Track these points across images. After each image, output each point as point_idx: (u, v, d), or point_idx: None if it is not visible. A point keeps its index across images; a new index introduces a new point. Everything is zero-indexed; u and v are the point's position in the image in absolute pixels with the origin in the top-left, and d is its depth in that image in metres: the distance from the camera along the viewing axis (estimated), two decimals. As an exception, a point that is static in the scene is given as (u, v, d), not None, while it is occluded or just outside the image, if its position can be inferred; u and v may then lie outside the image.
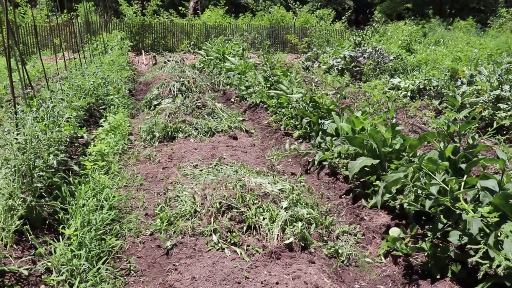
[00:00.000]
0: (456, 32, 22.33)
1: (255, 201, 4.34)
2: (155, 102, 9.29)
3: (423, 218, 4.25)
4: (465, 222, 3.32)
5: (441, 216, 3.75)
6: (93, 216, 3.99)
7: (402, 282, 3.67)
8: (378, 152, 4.94)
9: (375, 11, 32.37)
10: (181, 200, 4.61)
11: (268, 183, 4.80)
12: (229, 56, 14.38)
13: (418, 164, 3.81)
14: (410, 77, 11.59)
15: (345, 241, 4.18)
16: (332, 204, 4.92)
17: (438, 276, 3.52)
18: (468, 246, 3.23)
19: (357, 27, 28.57)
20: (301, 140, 7.04)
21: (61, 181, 4.46)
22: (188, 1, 30.17)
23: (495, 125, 4.83)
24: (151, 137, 7.22)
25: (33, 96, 6.28)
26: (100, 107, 8.62)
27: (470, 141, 4.40)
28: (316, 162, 5.90)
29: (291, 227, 4.02)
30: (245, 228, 4.07)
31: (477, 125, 7.60)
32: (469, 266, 3.20)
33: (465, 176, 3.80)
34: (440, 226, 3.68)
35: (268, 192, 4.54)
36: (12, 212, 3.62)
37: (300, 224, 4.03)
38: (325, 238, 4.16)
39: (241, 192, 4.44)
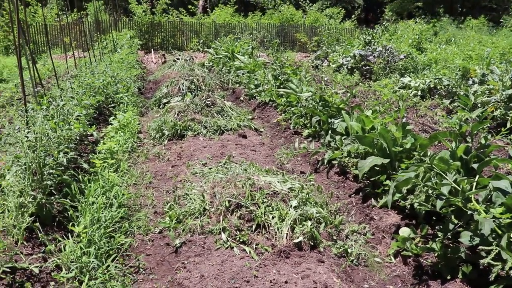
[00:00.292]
0: (467, 31, 22.15)
1: (264, 200, 4.32)
2: (164, 100, 9.31)
3: (433, 218, 4.21)
4: (477, 222, 3.27)
5: (452, 216, 3.70)
6: (102, 213, 4.00)
7: (412, 283, 3.64)
8: (388, 152, 4.90)
9: (386, 10, 32.19)
10: (190, 198, 4.61)
11: (278, 181, 4.78)
12: (238, 54, 14.38)
13: (429, 164, 3.77)
14: (421, 76, 11.49)
15: (354, 241, 4.15)
16: (341, 203, 4.89)
17: (448, 277, 3.49)
18: (480, 247, 3.19)
19: (367, 25, 28.41)
20: (310, 139, 7.01)
21: (71, 178, 4.48)
22: (197, 0, 30.19)
23: (508, 125, 4.78)
24: (160, 135, 7.23)
25: (44, 94, 6.31)
26: (110, 105, 8.65)
27: (483, 141, 4.35)
28: (325, 161, 5.87)
29: (301, 226, 4.00)
30: (254, 226, 4.06)
31: (488, 125, 7.52)
32: (480, 267, 3.16)
33: (477, 176, 3.75)
34: (451, 226, 3.64)
35: (277, 191, 4.52)
36: (22, 209, 3.64)
37: (309, 223, 4.01)
38: (335, 238, 4.14)
39: (250, 191, 4.43)
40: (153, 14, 22.15)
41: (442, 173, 3.79)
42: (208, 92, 9.36)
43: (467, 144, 4.25)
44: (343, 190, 5.32)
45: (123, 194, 4.58)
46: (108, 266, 3.48)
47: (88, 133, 6.42)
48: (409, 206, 4.13)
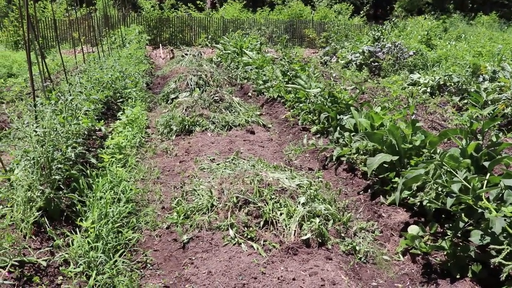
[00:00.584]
0: (478, 27, 21.93)
1: (273, 196, 4.31)
2: (172, 96, 9.31)
3: (443, 216, 4.16)
4: (488, 221, 3.23)
5: (462, 214, 3.66)
6: (110, 208, 4.00)
7: (421, 281, 3.60)
8: (397, 149, 4.86)
9: (395, 6, 31.94)
10: (198, 194, 4.60)
11: (286, 178, 4.76)
12: (247, 50, 14.34)
13: (439, 161, 3.72)
14: (430, 73, 11.39)
15: (362, 238, 4.13)
16: (349, 200, 4.86)
17: (457, 276, 3.45)
18: (491, 246, 3.15)
19: (375, 21, 28.24)
20: (318, 135, 6.98)
21: (79, 173, 4.49)
22: (206, -5, 30.16)
23: (519, 122, 4.71)
24: (168, 130, 7.23)
25: (52, 89, 6.32)
26: (118, 100, 8.66)
27: (494, 139, 4.29)
28: (334, 158, 5.84)
29: (309, 223, 3.98)
30: (262, 223, 4.04)
31: (499, 122, 7.44)
32: (490, 266, 3.13)
33: (488, 175, 3.71)
34: (461, 224, 3.60)
35: (285, 187, 4.50)
36: (31, 203, 3.65)
37: (317, 220, 3.99)
38: (343, 235, 4.11)
39: (259, 187, 4.41)
40: (162, 9, 22.15)
41: (452, 171, 3.75)
42: (216, 88, 9.34)
43: (478, 142, 4.21)
44: (352, 187, 5.29)
45: (131, 189, 4.59)
46: (116, 261, 3.48)
47: (96, 128, 6.43)
48: (418, 204, 4.10)
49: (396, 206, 4.47)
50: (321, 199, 4.49)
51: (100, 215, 3.87)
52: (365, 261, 3.86)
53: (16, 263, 3.03)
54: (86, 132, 5.87)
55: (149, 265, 3.68)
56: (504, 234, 3.16)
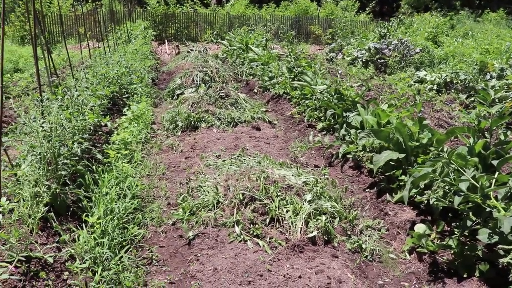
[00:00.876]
0: (485, 24, 21.78)
1: (279, 193, 4.29)
2: (178, 92, 9.29)
3: (449, 214, 4.14)
4: (496, 220, 3.21)
5: (470, 213, 3.64)
6: (116, 204, 4.00)
7: (427, 280, 3.58)
8: (404, 146, 4.83)
9: (401, 3, 31.75)
10: (204, 191, 4.59)
11: (292, 175, 4.75)
12: (253, 46, 14.30)
13: (447, 159, 3.69)
14: (437, 70, 11.33)
15: (368, 236, 4.11)
16: (355, 198, 4.84)
17: (465, 275, 3.43)
18: (499, 246, 3.13)
19: (382, 18, 28.07)
20: (324, 132, 6.95)
21: (85, 169, 4.48)
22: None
23: (528, 121, 4.67)
24: (174, 126, 7.22)
25: (58, 84, 6.33)
26: (124, 96, 8.66)
27: (502, 137, 4.26)
28: (340, 155, 5.82)
29: (315, 220, 3.97)
30: (268, 220, 4.03)
31: (507, 120, 7.38)
32: (499, 266, 3.10)
33: (496, 173, 3.68)
34: (468, 223, 3.57)
35: (291, 185, 4.49)
36: (37, 199, 3.65)
37: (323, 217, 3.98)
38: (349, 233, 4.10)
39: (265, 184, 4.39)
40: (167, 5, 22.13)
41: (460, 169, 3.72)
42: (222, 84, 9.32)
43: (486, 140, 4.17)
44: (358, 184, 5.26)
45: (136, 185, 4.58)
46: (121, 257, 3.48)
47: (102, 123, 6.43)
48: (425, 202, 4.07)
49: (402, 204, 4.45)
50: (327, 197, 4.47)
51: (106, 211, 3.87)
52: (371, 259, 3.84)
53: (23, 258, 3.03)
54: (92, 128, 5.87)
55: (154, 261, 3.68)
56: (513, 234, 3.14)
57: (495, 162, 3.82)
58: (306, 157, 6.15)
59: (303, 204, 4.14)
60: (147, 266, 3.60)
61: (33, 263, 3.13)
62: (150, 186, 4.96)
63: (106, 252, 3.43)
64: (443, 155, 3.81)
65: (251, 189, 4.33)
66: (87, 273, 3.24)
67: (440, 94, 9.82)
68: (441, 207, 4.02)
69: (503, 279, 3.07)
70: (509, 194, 3.49)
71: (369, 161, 5.37)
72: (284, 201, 4.21)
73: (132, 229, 3.88)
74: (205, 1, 26.08)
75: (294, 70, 9.65)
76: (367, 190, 5.07)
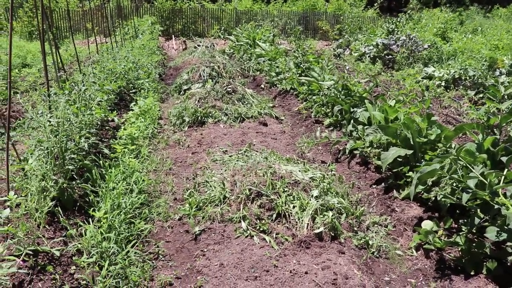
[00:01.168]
0: (495, 20, 21.56)
1: (285, 189, 4.28)
2: (185, 87, 9.30)
3: (457, 211, 4.11)
4: (504, 217, 3.18)
5: (478, 210, 3.61)
6: (122, 199, 4.01)
7: (434, 277, 3.56)
8: (412, 142, 4.80)
9: (410, -1, 31.48)
10: (210, 186, 4.59)
11: (299, 171, 4.73)
12: (260, 42, 14.27)
13: (455, 156, 3.66)
14: (445, 66, 11.24)
15: (375, 232, 4.09)
16: (362, 194, 4.82)
17: (472, 273, 3.40)
18: (508, 243, 3.10)
19: (390, 14, 27.86)
20: (331, 128, 6.93)
21: (92, 164, 4.50)
22: (219, -14, 30.00)
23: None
24: (181, 121, 7.23)
25: (66, 79, 6.35)
26: (131, 91, 8.68)
27: (511, 134, 4.21)
28: (347, 151, 5.79)
29: (321, 216, 3.95)
30: (274, 216, 4.02)
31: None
32: (507, 264, 3.07)
33: (505, 170, 3.64)
34: (476, 220, 3.54)
35: (298, 180, 4.47)
36: (45, 193, 3.67)
37: (330, 213, 3.96)
38: (355, 229, 4.08)
39: (271, 179, 4.38)
40: (175, 0, 22.11)
41: (469, 166, 3.69)
42: (229, 79, 9.31)
43: (495, 137, 4.13)
44: (365, 180, 5.24)
45: (143, 180, 4.59)
46: (128, 252, 3.49)
47: (109, 118, 6.45)
48: (433, 199, 4.04)
49: (409, 200, 4.42)
50: (334, 193, 4.45)
51: (112, 206, 3.88)
52: (377, 255, 3.83)
53: (30, 252, 3.05)
54: (99, 123, 5.88)
55: (161, 256, 3.69)
56: (521, 231, 3.11)
57: (504, 159, 3.78)
58: (313, 153, 6.13)
59: (310, 199, 4.13)
60: (153, 261, 3.61)
61: (40, 257, 3.14)
62: (156, 181, 4.97)
63: (113, 247, 3.44)
64: (451, 152, 3.78)
65: (258, 184, 4.33)
66: (94, 267, 3.26)
67: (448, 91, 9.75)
68: (448, 204, 4.00)
69: (511, 276, 3.05)
70: (518, 191, 3.46)
71: (376, 157, 5.35)
72: (291, 196, 4.20)
73: (138, 224, 3.89)
74: (212, -4, 26.04)
75: (301, 65, 9.62)
76: (374, 186, 5.04)
